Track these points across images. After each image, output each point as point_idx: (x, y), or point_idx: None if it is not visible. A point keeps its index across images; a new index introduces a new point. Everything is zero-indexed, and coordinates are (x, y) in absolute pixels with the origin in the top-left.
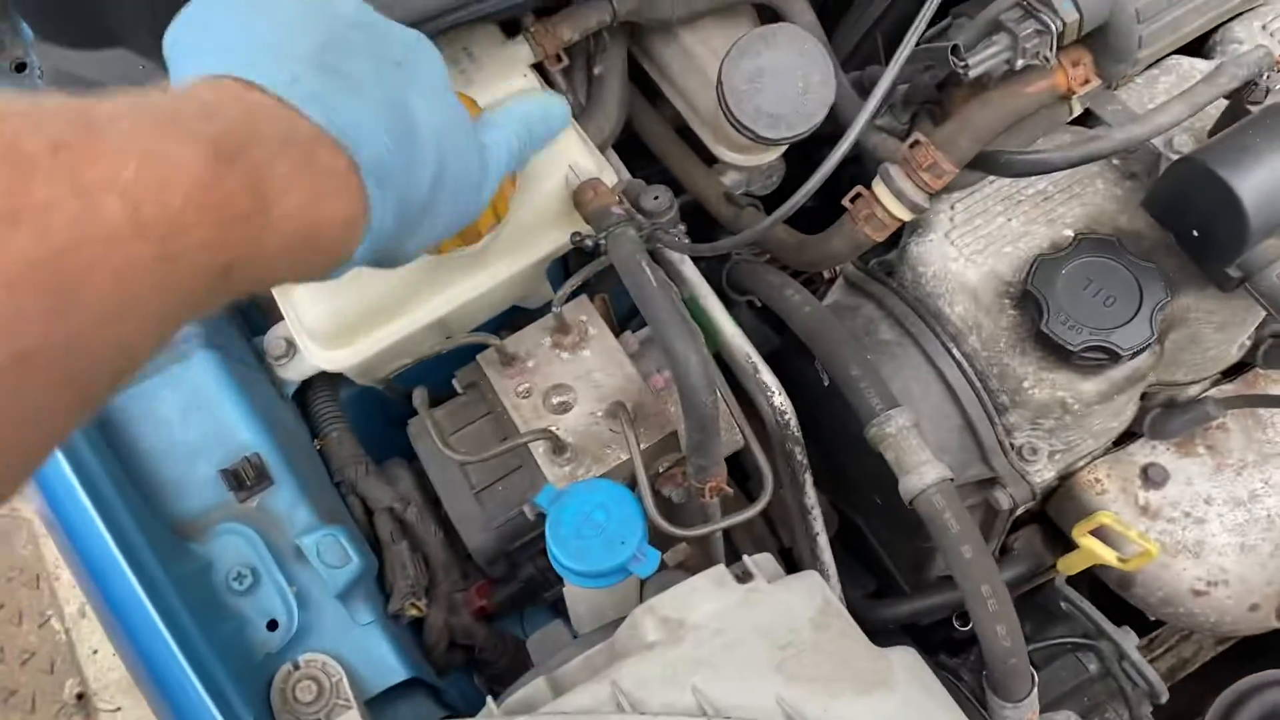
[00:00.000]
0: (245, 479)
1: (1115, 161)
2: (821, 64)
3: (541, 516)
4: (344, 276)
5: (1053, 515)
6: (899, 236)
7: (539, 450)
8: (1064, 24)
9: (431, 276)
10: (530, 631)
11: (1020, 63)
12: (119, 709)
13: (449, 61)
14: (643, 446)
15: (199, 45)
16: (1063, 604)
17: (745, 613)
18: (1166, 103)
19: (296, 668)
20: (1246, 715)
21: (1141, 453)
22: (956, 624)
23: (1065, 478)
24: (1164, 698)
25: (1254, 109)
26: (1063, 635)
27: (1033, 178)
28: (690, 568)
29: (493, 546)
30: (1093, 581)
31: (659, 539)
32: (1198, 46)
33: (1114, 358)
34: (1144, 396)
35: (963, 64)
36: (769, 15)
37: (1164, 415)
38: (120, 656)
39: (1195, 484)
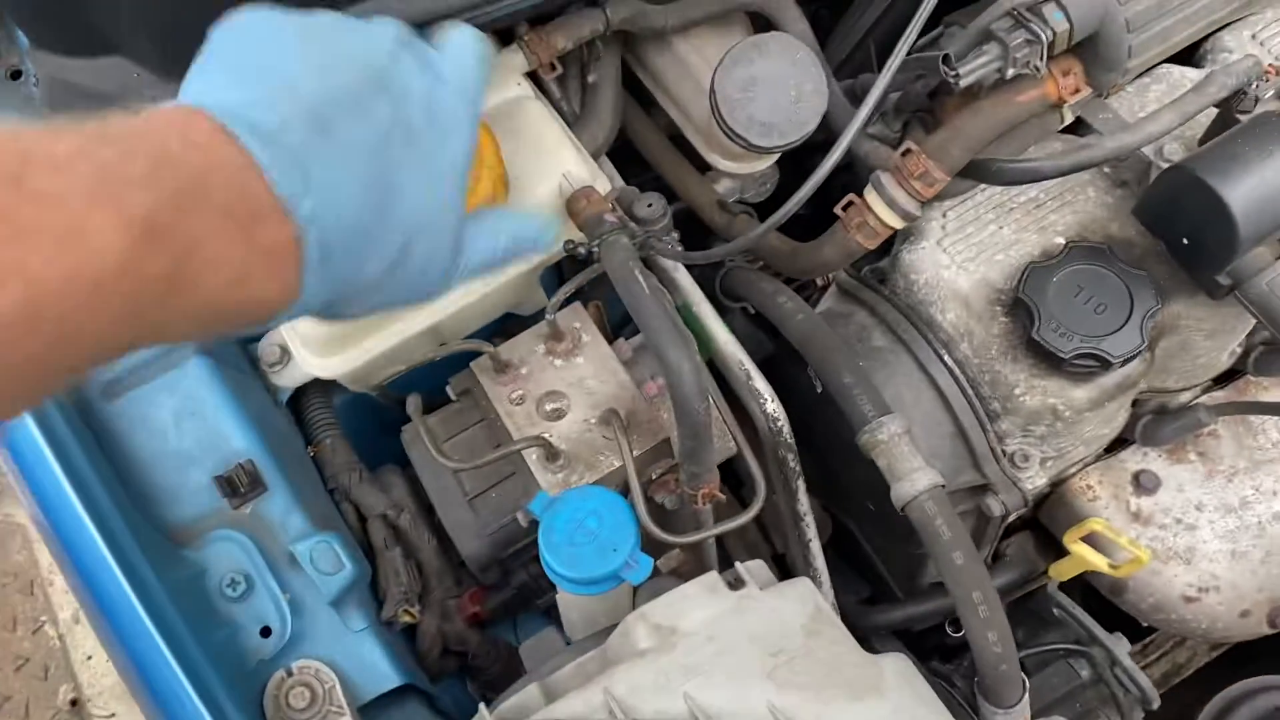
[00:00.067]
0: (239, 486)
1: (1106, 170)
2: (814, 73)
3: (534, 523)
4: None
5: (1045, 522)
6: (891, 244)
7: (532, 457)
8: (1054, 33)
9: None
10: (523, 638)
11: (1011, 72)
12: (113, 715)
13: None
14: (636, 453)
15: (220, 57)
16: (1055, 610)
17: (737, 620)
18: (1157, 111)
19: (290, 674)
20: None
21: (1133, 459)
22: (949, 630)
23: (1057, 484)
24: (1156, 703)
25: (1243, 118)
26: (1055, 641)
27: (1024, 186)
28: (683, 574)
29: (486, 553)
30: (1085, 587)
31: (652, 545)
32: (1188, 55)
33: (1105, 365)
34: (1135, 403)
35: (954, 73)
36: (762, 23)
37: (1155, 422)
38: (114, 663)
39: (1186, 490)
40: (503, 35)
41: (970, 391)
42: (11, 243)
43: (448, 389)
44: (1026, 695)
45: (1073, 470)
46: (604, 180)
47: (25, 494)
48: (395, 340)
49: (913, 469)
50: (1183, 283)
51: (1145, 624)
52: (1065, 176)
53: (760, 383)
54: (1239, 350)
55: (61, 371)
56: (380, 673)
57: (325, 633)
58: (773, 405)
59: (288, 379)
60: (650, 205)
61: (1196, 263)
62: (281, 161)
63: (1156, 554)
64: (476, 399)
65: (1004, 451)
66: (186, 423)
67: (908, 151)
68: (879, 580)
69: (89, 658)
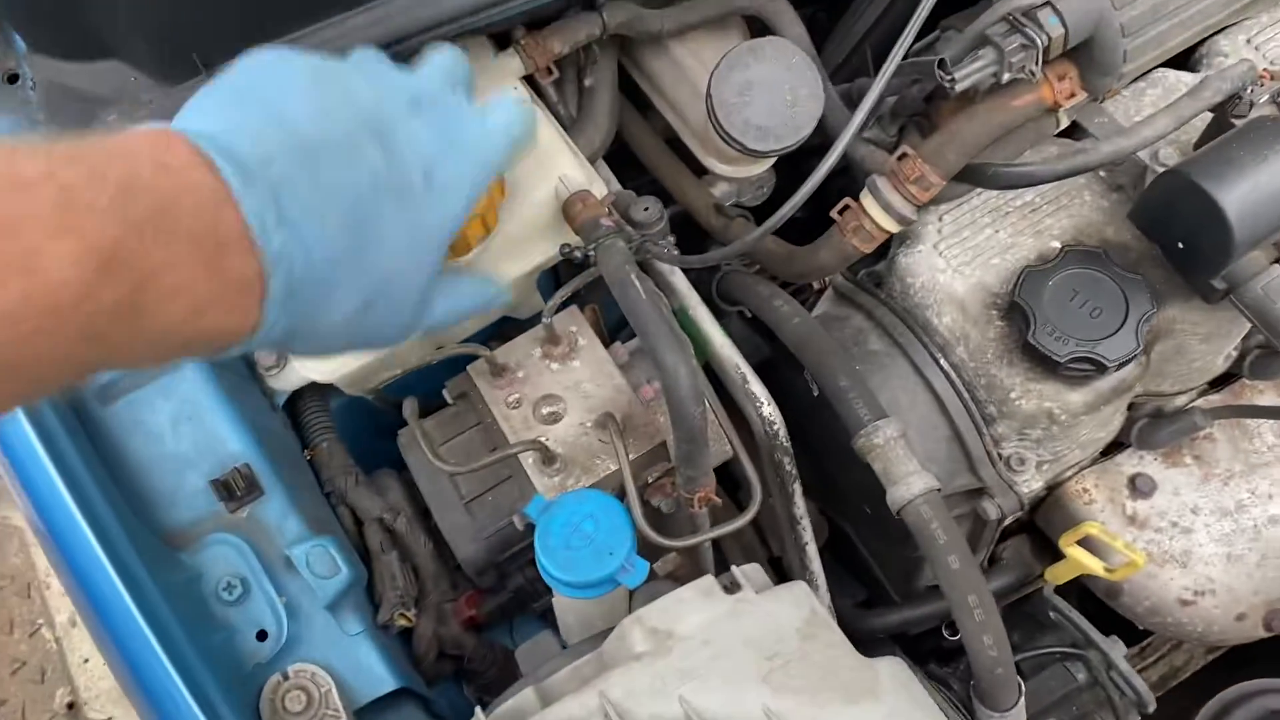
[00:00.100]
0: (235, 489)
1: (1102, 174)
2: (810, 77)
3: (531, 527)
4: None
5: (1041, 525)
6: (887, 248)
7: (528, 461)
8: (1049, 39)
9: None
10: (519, 641)
11: (1006, 76)
12: (110, 718)
13: None
14: (632, 457)
15: (224, 86)
16: (1051, 613)
17: (733, 624)
18: (1152, 116)
19: (286, 678)
20: None
21: (1129, 463)
22: (945, 633)
23: (1053, 488)
24: (1151, 707)
25: (1238, 122)
26: (1051, 644)
27: (1020, 190)
28: (679, 577)
29: (482, 557)
30: (1081, 591)
31: (648, 549)
32: (1183, 60)
33: (1100, 369)
34: (1131, 407)
35: (949, 77)
36: (758, 27)
37: (1151, 426)
38: (110, 666)
39: (1182, 494)
40: (499, 39)
41: (966, 395)
42: None
43: (444, 392)
44: (1022, 698)
45: (1068, 474)
46: (600, 184)
47: (21, 497)
48: None
49: (908, 472)
50: (1178, 287)
51: (1141, 627)
52: (1061, 181)
53: (756, 386)
54: (1234, 354)
55: (18, 392)
56: (376, 676)
57: (321, 636)
58: (769, 409)
59: (284, 382)
60: (647, 209)
61: (1192, 267)
62: (257, 192)
63: (1152, 557)
64: (473, 402)
65: (1000, 455)
66: (183, 426)
67: (904, 155)
68: (875, 584)
69: (86, 661)
